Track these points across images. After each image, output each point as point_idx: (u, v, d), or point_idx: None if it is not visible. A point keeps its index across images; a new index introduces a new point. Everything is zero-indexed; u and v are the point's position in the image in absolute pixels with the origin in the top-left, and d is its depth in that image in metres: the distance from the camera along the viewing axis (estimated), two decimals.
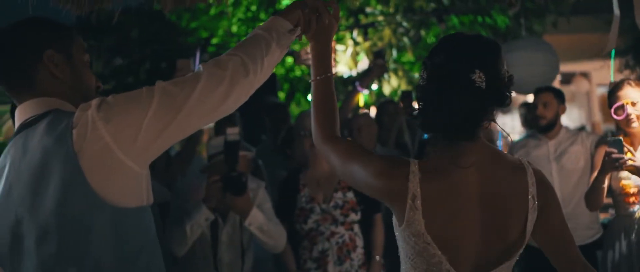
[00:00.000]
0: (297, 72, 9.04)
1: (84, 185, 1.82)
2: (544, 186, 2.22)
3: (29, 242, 1.90)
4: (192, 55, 3.58)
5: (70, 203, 1.83)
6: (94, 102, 1.88)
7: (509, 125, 12.06)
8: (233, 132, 3.73)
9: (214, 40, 8.63)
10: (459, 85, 2.07)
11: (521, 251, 2.17)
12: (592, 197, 4.23)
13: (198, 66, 3.10)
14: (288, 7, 2.31)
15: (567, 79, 14.03)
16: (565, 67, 6.06)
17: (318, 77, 2.41)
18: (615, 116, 4.11)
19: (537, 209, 2.18)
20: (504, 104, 2.14)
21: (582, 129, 10.80)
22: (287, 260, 4.33)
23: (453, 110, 2.07)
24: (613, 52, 4.80)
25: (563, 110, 5.15)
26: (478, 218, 2.13)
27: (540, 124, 5.10)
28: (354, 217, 4.33)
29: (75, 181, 1.82)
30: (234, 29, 8.68)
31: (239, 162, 3.81)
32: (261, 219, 3.85)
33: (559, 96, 5.07)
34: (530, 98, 13.18)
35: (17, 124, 2.02)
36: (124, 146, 1.84)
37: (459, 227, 2.12)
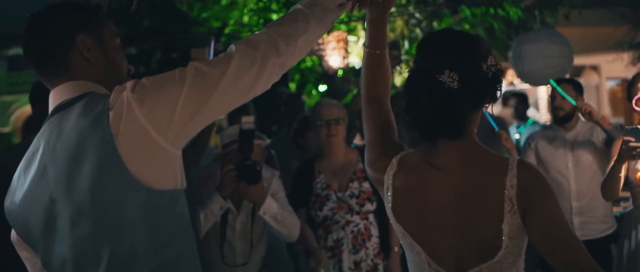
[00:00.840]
0: (308, 63, 9.01)
1: (120, 166, 1.83)
2: (531, 188, 2.04)
3: (63, 222, 1.91)
4: (207, 45, 3.57)
5: (106, 184, 1.85)
6: (129, 84, 1.89)
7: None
8: (248, 121, 3.72)
9: (226, 30, 8.62)
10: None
11: (502, 253, 2.04)
12: (608, 186, 4.22)
13: (212, 56, 3.07)
14: None
15: (577, 72, 13.97)
16: (575, 60, 6.02)
17: (372, 51, 2.38)
18: (636, 107, 4.08)
19: (519, 212, 2.03)
20: (490, 100, 2.11)
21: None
22: (308, 240, 4.32)
23: (423, 112, 2.07)
24: None
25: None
26: (452, 217, 2.10)
27: (558, 115, 5.06)
28: (370, 206, 4.34)
29: (111, 162, 1.83)
30: (245, 19, 8.65)
31: (253, 151, 3.81)
32: (275, 208, 3.85)
33: (578, 88, 5.05)
34: (540, 92, 13.16)
35: (51, 107, 2.03)
36: (159, 127, 1.85)
37: (430, 225, 2.12)
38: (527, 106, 8.96)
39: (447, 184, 2.12)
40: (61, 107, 1.99)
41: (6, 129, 26.45)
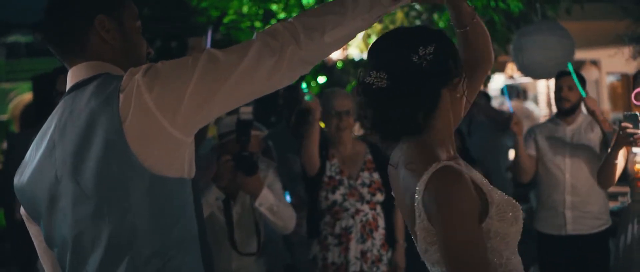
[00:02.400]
0: None
1: (126, 150, 1.82)
2: (430, 197, 1.91)
3: (66, 201, 1.92)
4: (204, 34, 3.55)
5: (110, 167, 1.84)
6: (143, 67, 1.87)
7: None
8: (246, 111, 3.70)
9: (225, 20, 8.58)
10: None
11: (427, 257, 2.00)
12: (604, 173, 4.23)
13: (209, 45, 3.02)
14: None
15: (577, 66, 13.93)
16: (576, 55, 6.00)
17: (458, 30, 2.23)
18: (636, 102, 4.07)
19: (427, 218, 1.94)
20: (441, 85, 2.02)
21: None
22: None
23: (369, 116, 2.06)
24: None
25: None
26: (403, 216, 2.14)
27: (564, 106, 5.04)
28: (379, 197, 4.36)
29: (117, 145, 1.82)
30: (245, 9, 8.63)
31: (250, 142, 3.78)
32: (271, 200, 3.84)
33: (582, 81, 5.03)
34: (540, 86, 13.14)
35: (68, 86, 2.03)
36: (167, 113, 1.82)
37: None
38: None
39: (395, 182, 2.13)
40: (76, 87, 1.99)
41: (4, 117, 26.47)
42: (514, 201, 2.04)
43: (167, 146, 1.85)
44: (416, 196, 1.95)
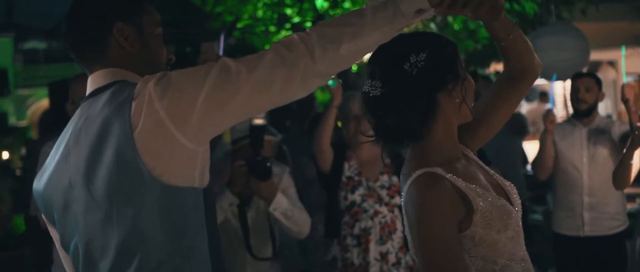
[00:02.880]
0: None
1: (135, 157, 1.81)
2: (407, 202, 1.99)
3: (78, 208, 1.92)
4: (216, 39, 3.56)
5: (120, 174, 1.83)
6: (157, 75, 1.85)
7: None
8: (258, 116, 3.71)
9: (239, 25, 8.61)
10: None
11: (413, 254, 2.01)
12: (619, 174, 4.21)
13: (222, 50, 3.00)
14: None
15: (594, 67, 13.88)
16: (592, 56, 5.98)
17: (498, 44, 2.16)
18: None
19: (408, 225, 1.99)
20: (436, 90, 2.01)
21: (608, 118, 10.69)
22: None
23: (372, 123, 2.09)
24: None
25: (602, 98, 5.09)
26: None
27: (581, 108, 5.02)
28: (398, 200, 4.35)
29: (127, 153, 1.81)
30: (260, 13, 8.65)
31: (264, 147, 3.79)
32: (286, 205, 3.83)
33: (599, 83, 5.02)
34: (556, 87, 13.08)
35: (87, 93, 2.04)
36: (178, 122, 1.80)
37: None
38: None
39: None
40: (93, 94, 1.99)
41: (23, 123, 26.66)
42: (510, 207, 2.03)
43: (177, 155, 1.83)
44: (401, 201, 2.02)
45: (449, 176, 1.97)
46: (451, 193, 1.94)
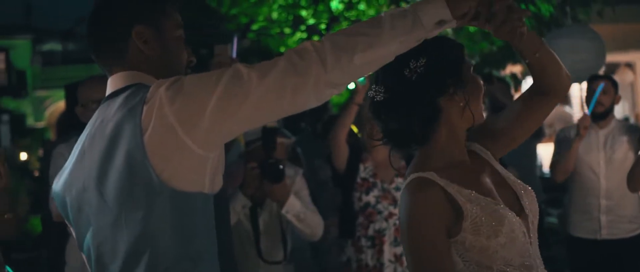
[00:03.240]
0: None
1: (144, 162, 1.80)
2: (400, 207, 2.02)
3: (90, 210, 1.94)
4: (230, 41, 3.56)
5: (129, 178, 1.83)
6: (171, 80, 1.85)
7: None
8: None
9: (254, 26, 8.61)
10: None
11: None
12: (633, 176, 4.18)
13: (235, 52, 3.00)
14: None
15: (611, 69, 13.80)
16: (609, 58, 5.94)
17: (527, 61, 2.13)
18: None
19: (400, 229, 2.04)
20: (437, 95, 2.02)
21: (626, 120, 10.63)
22: None
23: (380, 127, 2.13)
24: None
25: (618, 100, 5.06)
26: None
27: (597, 110, 4.99)
28: None
29: (137, 157, 1.81)
30: (275, 15, 8.65)
31: (276, 149, 3.78)
32: (298, 207, 3.83)
33: (616, 86, 5.00)
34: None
35: (106, 95, 2.04)
36: (187, 128, 1.79)
37: None
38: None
39: None
40: (111, 96, 1.99)
41: (41, 124, 26.83)
42: (504, 213, 2.00)
43: (186, 161, 1.83)
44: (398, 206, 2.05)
45: (441, 181, 1.98)
46: (440, 198, 1.96)
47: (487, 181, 2.10)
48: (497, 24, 1.90)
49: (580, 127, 4.86)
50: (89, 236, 1.96)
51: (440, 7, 1.84)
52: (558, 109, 11.02)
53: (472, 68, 2.11)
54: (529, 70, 2.14)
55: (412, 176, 2.01)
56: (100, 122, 1.95)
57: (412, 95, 2.01)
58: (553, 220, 7.60)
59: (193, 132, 1.79)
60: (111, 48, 2.01)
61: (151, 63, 2.02)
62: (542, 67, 2.10)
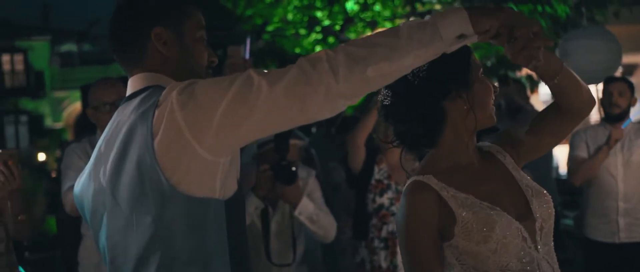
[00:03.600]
0: None
1: (154, 166, 1.79)
2: (398, 212, 2.09)
3: (104, 212, 1.94)
4: (243, 43, 3.55)
5: (140, 181, 1.83)
6: (185, 83, 1.82)
7: None
8: None
9: (269, 28, 8.63)
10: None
11: None
12: None
13: (248, 53, 2.98)
14: (485, 8, 1.81)
15: (629, 70, 13.69)
16: (626, 59, 5.88)
17: (548, 84, 2.10)
18: None
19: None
20: (440, 97, 2.02)
21: None
22: None
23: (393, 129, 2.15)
24: None
25: (634, 102, 5.01)
26: None
27: (613, 112, 4.95)
28: None
29: (147, 160, 1.80)
30: (290, 16, 8.66)
31: (289, 151, 3.78)
32: (311, 209, 3.82)
33: (632, 87, 4.96)
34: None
35: (126, 96, 2.04)
36: (197, 133, 1.77)
37: None
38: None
39: None
40: (129, 98, 1.99)
41: (59, 125, 27.01)
42: (497, 219, 1.98)
43: (196, 166, 1.81)
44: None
45: (438, 185, 2.01)
46: (430, 203, 2.00)
47: (492, 184, 2.08)
48: (517, 49, 1.84)
49: (612, 139, 4.82)
50: (103, 238, 1.97)
51: (462, 20, 1.77)
52: None
53: (481, 70, 2.09)
54: (551, 91, 2.11)
55: (411, 179, 2.05)
56: (116, 124, 1.95)
57: (416, 99, 2.03)
58: (569, 222, 7.55)
59: (201, 137, 1.77)
60: (131, 49, 2.01)
61: (170, 64, 2.00)
62: (563, 90, 2.08)
